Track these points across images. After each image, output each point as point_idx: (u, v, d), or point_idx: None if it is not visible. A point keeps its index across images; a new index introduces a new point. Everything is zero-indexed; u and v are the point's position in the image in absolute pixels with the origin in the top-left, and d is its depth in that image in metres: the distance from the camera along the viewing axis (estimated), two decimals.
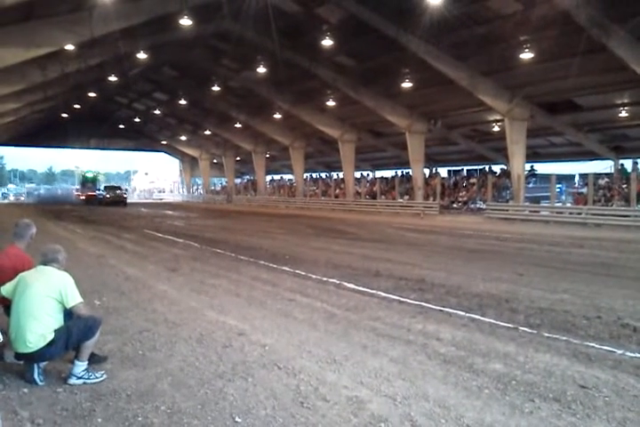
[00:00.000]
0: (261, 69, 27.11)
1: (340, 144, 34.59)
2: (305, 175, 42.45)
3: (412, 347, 4.74)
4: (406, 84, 24.98)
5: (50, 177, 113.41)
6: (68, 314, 4.05)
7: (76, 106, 40.68)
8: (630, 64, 18.33)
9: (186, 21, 20.52)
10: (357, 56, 25.57)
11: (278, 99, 32.70)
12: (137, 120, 49.57)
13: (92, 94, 36.45)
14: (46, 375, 3.98)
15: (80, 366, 3.95)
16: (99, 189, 45.94)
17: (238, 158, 51.00)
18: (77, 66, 24.61)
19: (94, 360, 4.15)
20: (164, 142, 57.19)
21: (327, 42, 22.18)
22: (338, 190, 37.18)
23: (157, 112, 44.76)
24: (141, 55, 25.55)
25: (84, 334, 3.96)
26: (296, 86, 30.31)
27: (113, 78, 31.54)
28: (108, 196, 41.70)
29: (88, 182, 48.46)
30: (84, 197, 45.00)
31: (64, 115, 42.89)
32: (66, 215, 26.05)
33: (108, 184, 52.91)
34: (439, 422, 3.21)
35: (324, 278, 8.15)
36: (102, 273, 8.63)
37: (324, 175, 46.18)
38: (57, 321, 3.97)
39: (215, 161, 55.52)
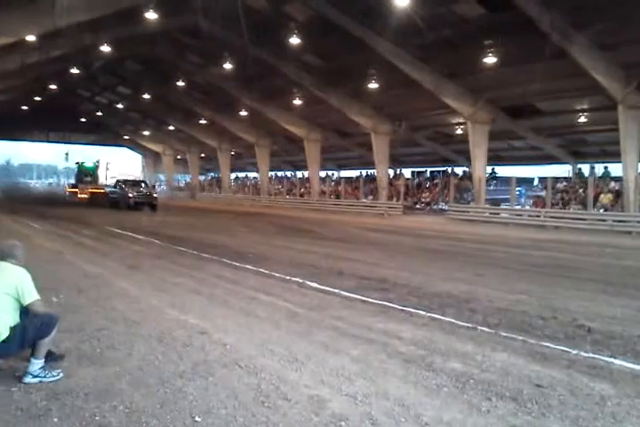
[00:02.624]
0: (228, 66, 26.88)
1: (306, 143, 34.59)
2: (270, 173, 42.30)
3: (373, 346, 4.78)
4: (372, 85, 25.12)
5: (6, 171, 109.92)
6: (25, 311, 3.94)
7: (37, 98, 39.59)
8: (590, 71, 18.85)
9: (152, 15, 20.21)
10: (324, 55, 25.62)
11: (244, 96, 32.48)
12: (99, 114, 48.51)
13: (53, 87, 35.54)
14: (1, 374, 3.87)
15: (36, 365, 3.85)
16: (107, 186, 34.82)
17: (203, 155, 50.50)
18: (38, 57, 23.96)
19: (51, 358, 4.05)
20: (126, 137, 56.21)
21: (294, 40, 22.14)
22: (303, 189, 37.20)
23: (120, 106, 43.90)
24: (105, 48, 25.05)
25: (41, 331, 3.86)
26: (263, 84, 30.15)
27: (75, 71, 30.80)
28: (133, 195, 26.79)
29: (86, 175, 37.92)
30: (84, 196, 34.22)
31: (24, 107, 41.67)
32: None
33: (124, 177, 36.86)
34: (399, 420, 3.25)
35: (287, 277, 8.14)
36: (60, 270, 8.43)
37: (289, 174, 46.12)
38: (13, 318, 3.86)
39: (179, 157, 54.83)
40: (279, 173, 46.67)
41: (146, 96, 37.55)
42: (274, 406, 3.43)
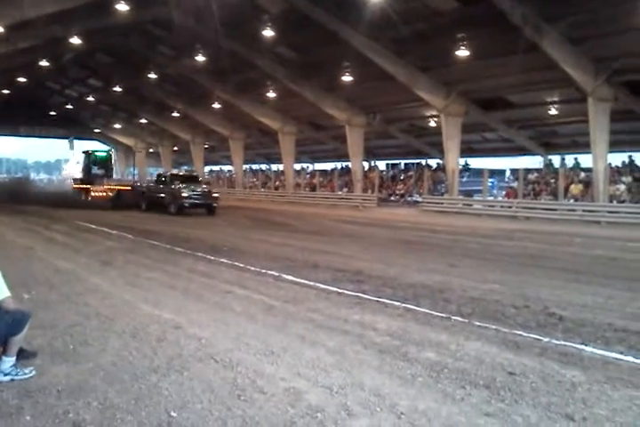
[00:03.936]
0: (201, 58, 26.64)
1: (281, 136, 34.45)
2: (245, 167, 42.06)
3: (349, 337, 4.80)
4: (347, 78, 25.11)
5: None
6: None
7: (5, 91, 38.66)
8: (561, 64, 19.10)
9: (123, 6, 19.87)
10: (298, 48, 25.50)
11: (218, 88, 32.20)
12: (69, 107, 47.55)
13: (21, 79, 34.72)
14: None
15: (7, 362, 3.78)
16: (136, 182, 27.43)
17: (176, 148, 49.93)
18: (6, 49, 23.38)
19: (23, 356, 3.97)
20: (97, 130, 55.23)
21: (268, 33, 21.99)
22: (278, 182, 37.09)
23: (91, 99, 43.10)
24: (76, 40, 24.55)
25: (12, 328, 3.79)
26: (236, 76, 29.85)
27: (44, 63, 30.15)
28: (187, 194, 20.54)
29: (100, 167, 30.04)
30: (99, 194, 26.28)
31: None
32: None
33: (176, 171, 31.14)
34: (374, 410, 3.27)
35: (263, 270, 8.12)
36: (31, 266, 8.27)
37: (264, 167, 45.92)
38: None
39: (152, 151, 54.12)
40: (254, 166, 46.44)
41: (117, 89, 36.91)
42: (250, 400, 3.43)
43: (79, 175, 31.20)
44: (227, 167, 49.01)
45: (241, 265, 8.61)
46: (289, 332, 4.97)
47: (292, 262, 9.03)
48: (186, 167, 53.70)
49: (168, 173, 24.00)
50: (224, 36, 23.64)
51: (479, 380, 3.80)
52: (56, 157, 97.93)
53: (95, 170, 29.59)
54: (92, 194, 26.69)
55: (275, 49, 25.48)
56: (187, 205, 20.33)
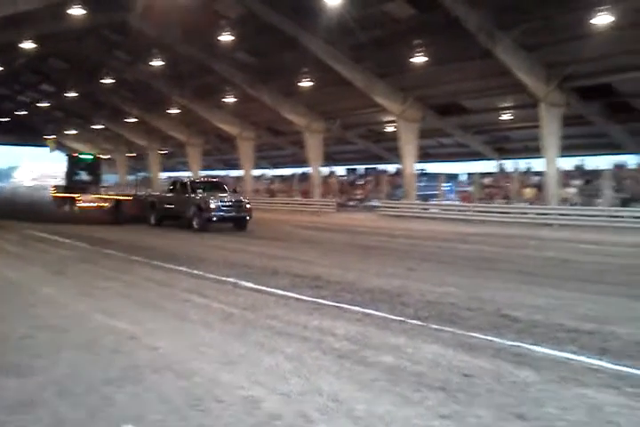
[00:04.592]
0: (158, 63, 26.28)
1: (239, 141, 34.30)
2: (203, 173, 41.65)
3: (307, 343, 4.81)
4: (305, 84, 25.21)
5: None
6: None
7: None
8: (513, 70, 19.66)
9: (78, 11, 19.48)
10: (257, 53, 25.52)
11: (175, 94, 31.89)
12: (21, 113, 46.20)
13: None
14: None
15: None
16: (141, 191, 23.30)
17: (132, 155, 49.08)
18: None
19: None
20: (50, 137, 53.81)
21: (226, 38, 21.89)
22: (239, 188, 36.84)
23: (44, 105, 41.97)
24: (28, 45, 23.88)
25: None
26: (194, 81, 29.65)
27: None
28: (216, 205, 16.49)
29: (87, 173, 25.80)
30: (92, 205, 21.63)
31: None
32: None
33: (195, 178, 26.46)
34: (332, 416, 3.28)
35: (221, 278, 8.05)
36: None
37: (222, 173, 45.55)
38: None
39: (108, 157, 53.01)
40: (212, 173, 46.00)
41: (71, 94, 36.07)
42: (207, 410, 3.38)
43: (62, 182, 26.23)
44: (186, 173, 48.34)
45: (199, 273, 8.51)
46: (247, 339, 4.94)
47: (250, 269, 8.98)
48: (143, 173, 52.85)
49: (187, 180, 19.25)
50: (182, 40, 23.46)
51: (435, 382, 3.85)
52: (7, 165, 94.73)
53: (81, 176, 25.48)
54: (80, 204, 21.81)
55: (233, 54, 25.43)
56: (215, 219, 16.42)
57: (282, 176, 38.22)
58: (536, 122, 21.58)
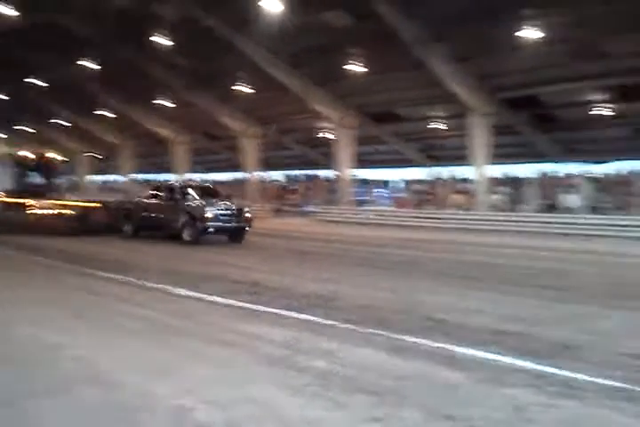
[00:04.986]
0: (90, 65, 25.48)
1: (174, 146, 33.71)
2: (137, 176, 40.66)
3: (241, 350, 4.76)
4: (243, 89, 25.11)
5: None
6: None
7: None
8: (446, 80, 20.28)
9: (5, 10, 18.67)
10: (194, 57, 25.16)
11: (108, 96, 30.98)
12: None
13: None
14: None
15: None
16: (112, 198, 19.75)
17: (62, 158, 47.12)
18: None
19: None
20: None
21: (163, 41, 21.51)
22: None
23: None
24: None
25: None
26: (128, 84, 28.93)
27: None
28: (213, 214, 14.21)
29: (39, 174, 21.25)
30: (50, 213, 17.29)
31: None
32: None
33: (186, 182, 19.86)
34: (263, 422, 3.26)
35: (155, 285, 7.86)
36: None
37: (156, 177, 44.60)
38: None
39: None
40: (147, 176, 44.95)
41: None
42: (134, 421, 3.29)
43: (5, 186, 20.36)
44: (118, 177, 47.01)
45: (131, 280, 8.27)
46: (179, 348, 4.84)
47: (184, 276, 8.81)
48: (72, 177, 50.91)
49: (177, 184, 16.62)
50: (116, 42, 22.85)
51: (367, 386, 3.89)
52: None
53: (33, 178, 21.14)
54: (34, 212, 17.59)
55: (169, 57, 24.96)
56: (212, 229, 14.21)
57: (217, 181, 37.76)
58: (467, 131, 22.35)
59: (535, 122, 24.27)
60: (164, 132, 33.36)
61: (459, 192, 23.84)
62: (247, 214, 14.99)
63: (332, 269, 9.99)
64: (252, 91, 25.14)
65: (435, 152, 30.35)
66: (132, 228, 15.90)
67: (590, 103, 21.66)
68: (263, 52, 22.08)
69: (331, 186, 29.89)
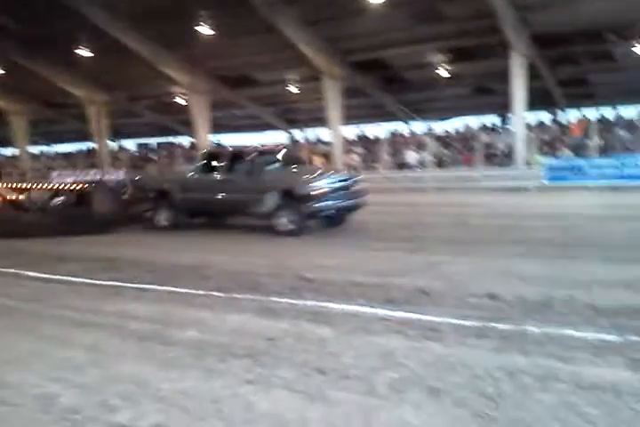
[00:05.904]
0: None
1: (11, 117, 30.71)
2: None
3: (106, 330, 4.55)
4: (85, 53, 23.25)
5: None
6: None
7: None
8: (297, 44, 20.30)
9: None
10: (27, 20, 22.66)
11: None
12: None
13: None
14: None
15: None
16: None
17: None
18: None
19: None
20: None
21: None
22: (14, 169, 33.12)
23: None
24: None
25: None
26: None
27: None
28: (325, 189, 9.58)
29: None
30: (15, 197, 11.74)
31: None
32: None
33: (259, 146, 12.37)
34: (135, 400, 3.18)
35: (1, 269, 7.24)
36: None
37: None
38: None
39: None
40: None
41: None
42: None
43: None
44: None
45: None
46: (37, 334, 4.52)
47: (32, 256, 8.21)
48: None
49: (251, 149, 11.13)
50: None
51: (240, 351, 3.93)
52: None
53: None
54: None
55: None
56: (323, 212, 9.90)
57: (66, 153, 35.17)
58: (321, 94, 22.72)
59: (383, 84, 25.27)
60: None
61: (316, 153, 24.30)
62: (363, 189, 10.85)
63: (196, 240, 9.82)
64: (97, 55, 23.36)
65: (292, 115, 30.59)
66: (172, 216, 11.19)
67: (433, 64, 22.92)
68: (106, 15, 20.51)
69: (190, 153, 29.09)
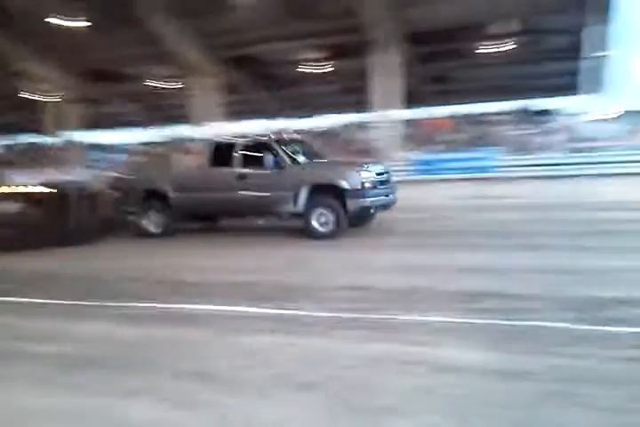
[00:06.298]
0: None
1: None
2: None
3: None
4: None
5: None
6: None
7: None
8: (166, 38, 19.64)
9: None
10: None
11: None
12: None
13: None
14: None
15: None
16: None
17: None
18: None
19: None
20: None
21: None
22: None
23: None
24: None
25: None
26: None
27: None
28: (374, 181, 8.35)
29: None
30: None
31: None
32: None
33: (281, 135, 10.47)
34: None
35: None
36: None
37: None
38: None
39: None
40: None
41: None
42: None
43: None
44: None
45: None
46: None
47: None
48: None
49: (272, 139, 9.14)
50: None
51: (97, 359, 3.67)
52: None
53: None
54: None
55: None
56: (372, 209, 8.60)
57: None
58: (192, 90, 22.15)
59: (256, 80, 25.13)
60: None
61: (188, 152, 23.56)
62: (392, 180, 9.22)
63: None
64: None
65: (162, 112, 29.59)
66: (163, 220, 9.53)
67: (305, 61, 23.12)
68: None
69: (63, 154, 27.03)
